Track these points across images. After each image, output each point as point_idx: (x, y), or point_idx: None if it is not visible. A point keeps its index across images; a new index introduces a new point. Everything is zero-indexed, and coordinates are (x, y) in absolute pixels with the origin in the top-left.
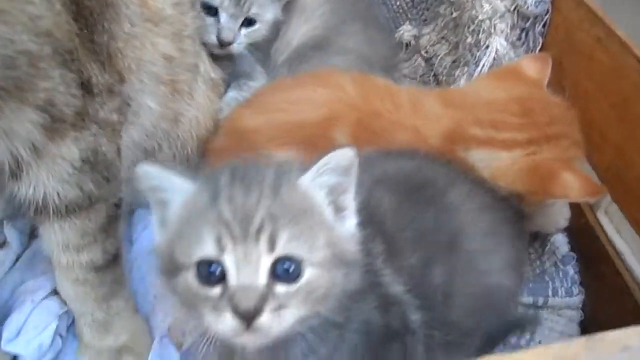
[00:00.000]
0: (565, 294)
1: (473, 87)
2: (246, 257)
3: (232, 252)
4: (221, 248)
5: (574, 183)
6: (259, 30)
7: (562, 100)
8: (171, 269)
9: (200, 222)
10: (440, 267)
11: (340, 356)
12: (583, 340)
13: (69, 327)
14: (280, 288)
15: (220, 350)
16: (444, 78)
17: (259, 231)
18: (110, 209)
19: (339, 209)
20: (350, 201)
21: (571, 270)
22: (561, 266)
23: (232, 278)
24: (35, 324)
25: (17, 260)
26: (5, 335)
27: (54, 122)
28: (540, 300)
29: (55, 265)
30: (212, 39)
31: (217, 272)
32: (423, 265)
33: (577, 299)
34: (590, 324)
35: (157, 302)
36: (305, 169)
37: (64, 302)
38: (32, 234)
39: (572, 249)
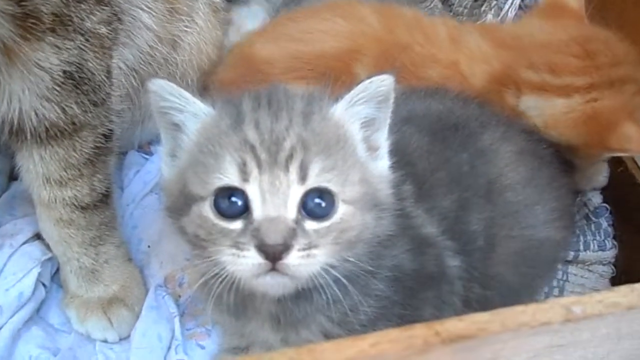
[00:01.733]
0: (597, 247)
1: (525, 27)
2: (274, 186)
3: (257, 180)
4: (245, 175)
5: (635, 135)
6: None
7: (621, 37)
8: (181, 204)
9: (220, 148)
10: (478, 213)
11: (368, 306)
12: None
13: (54, 275)
14: (311, 224)
15: (234, 299)
16: (464, 19)
17: (289, 159)
18: (98, 139)
19: (371, 148)
20: (383, 140)
21: (604, 222)
22: (593, 219)
23: (257, 210)
24: (14, 270)
25: None
26: None
27: (27, 18)
28: (571, 255)
29: (37, 203)
30: None
31: (240, 203)
32: (458, 208)
33: (610, 252)
34: (621, 282)
35: (152, 250)
36: (337, 97)
37: (48, 248)
38: (11, 176)
39: (606, 200)
